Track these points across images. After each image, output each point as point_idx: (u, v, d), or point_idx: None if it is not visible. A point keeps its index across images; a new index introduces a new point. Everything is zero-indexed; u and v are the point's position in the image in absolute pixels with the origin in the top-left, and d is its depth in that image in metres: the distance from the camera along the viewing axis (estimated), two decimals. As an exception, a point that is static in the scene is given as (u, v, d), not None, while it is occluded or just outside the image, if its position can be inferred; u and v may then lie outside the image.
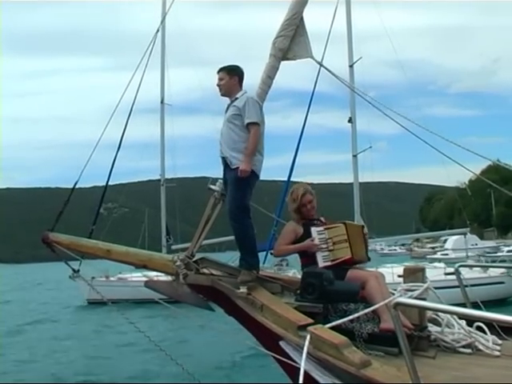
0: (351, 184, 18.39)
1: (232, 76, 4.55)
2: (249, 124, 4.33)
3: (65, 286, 30.14)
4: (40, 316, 19.89)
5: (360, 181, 18.44)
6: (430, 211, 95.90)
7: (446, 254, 38.31)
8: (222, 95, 4.64)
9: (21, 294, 30.92)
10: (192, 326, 13.93)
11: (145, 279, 15.92)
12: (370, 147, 18.29)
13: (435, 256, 38.89)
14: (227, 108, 4.58)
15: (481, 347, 3.89)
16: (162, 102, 23.27)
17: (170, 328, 15.20)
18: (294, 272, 17.07)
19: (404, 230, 50.33)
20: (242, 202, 4.32)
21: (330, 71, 4.83)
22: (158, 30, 5.78)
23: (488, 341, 3.94)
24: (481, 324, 4.08)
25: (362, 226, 4.85)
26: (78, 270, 5.23)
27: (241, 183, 4.28)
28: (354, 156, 18.26)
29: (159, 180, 23.64)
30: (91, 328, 16.42)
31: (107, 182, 5.51)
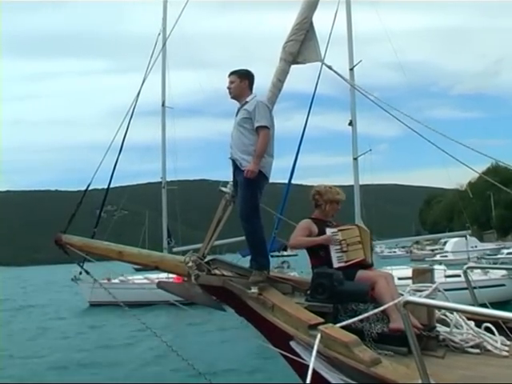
0: (351, 186, 18.42)
1: (242, 80, 4.63)
2: (258, 127, 4.42)
3: (66, 288, 30.22)
4: (47, 318, 20.08)
5: (360, 183, 18.52)
6: (429, 213, 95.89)
7: (446, 256, 38.33)
8: (232, 98, 4.72)
9: (24, 298, 30.89)
10: (199, 326, 14.03)
11: (146, 281, 16.02)
12: (370, 150, 18.38)
13: (435, 258, 38.89)
14: (237, 111, 4.66)
15: (489, 347, 3.93)
16: (163, 104, 23.31)
17: (176, 328, 15.27)
18: (295, 274, 17.16)
19: (404, 233, 50.39)
20: (252, 203, 4.40)
21: (340, 75, 4.92)
22: (167, 37, 5.86)
23: (496, 341, 3.98)
24: (489, 325, 4.12)
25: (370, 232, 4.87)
26: (87, 272, 5.30)
27: (250, 184, 4.36)
28: (355, 159, 18.33)
29: (159, 182, 23.68)
30: (98, 329, 16.49)
31: (109, 184, 5.57)
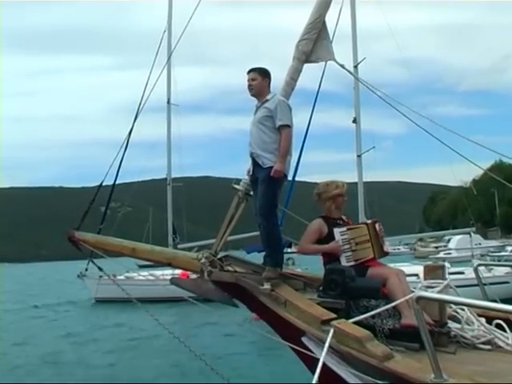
0: (355, 184, 18.41)
1: (264, 77, 4.64)
2: (280, 126, 4.43)
3: (71, 284, 30.31)
4: (55, 314, 20.32)
5: (364, 180, 18.53)
6: (433, 211, 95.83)
7: (449, 253, 38.28)
8: (252, 95, 4.69)
9: (31, 294, 31.01)
10: (207, 322, 14.07)
11: (152, 278, 16.03)
12: (374, 147, 18.39)
13: (438, 255, 38.86)
14: (256, 109, 4.66)
15: (500, 344, 3.94)
16: (168, 102, 23.29)
17: (182, 326, 15.33)
18: (299, 271, 17.13)
19: (408, 230, 50.33)
20: (272, 201, 4.45)
21: (351, 73, 4.96)
22: (178, 40, 5.93)
23: (508, 338, 3.99)
24: (500, 322, 4.13)
25: (375, 222, 4.82)
26: (101, 269, 5.34)
27: (272, 182, 4.40)
28: (359, 156, 18.33)
29: (164, 179, 23.70)
30: (107, 325, 16.62)
31: (114, 181, 5.61)
